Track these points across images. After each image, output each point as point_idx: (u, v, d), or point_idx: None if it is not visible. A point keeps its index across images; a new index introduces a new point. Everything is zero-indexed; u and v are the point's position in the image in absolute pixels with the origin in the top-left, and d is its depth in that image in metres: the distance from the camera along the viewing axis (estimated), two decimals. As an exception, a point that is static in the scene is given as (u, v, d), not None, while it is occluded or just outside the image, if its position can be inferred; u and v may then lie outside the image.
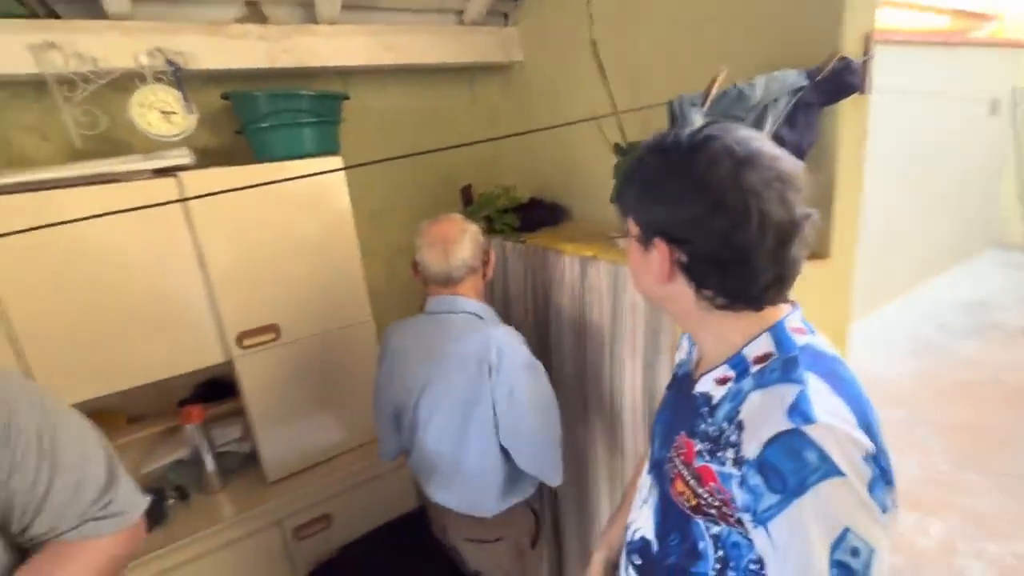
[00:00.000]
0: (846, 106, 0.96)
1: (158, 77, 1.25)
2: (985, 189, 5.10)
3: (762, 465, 0.49)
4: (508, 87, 1.91)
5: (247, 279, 1.35)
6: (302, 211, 1.40)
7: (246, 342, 1.36)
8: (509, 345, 1.08)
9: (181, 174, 1.23)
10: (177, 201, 1.16)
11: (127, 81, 1.25)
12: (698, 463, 0.59)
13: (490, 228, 1.64)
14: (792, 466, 0.47)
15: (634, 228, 0.61)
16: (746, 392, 0.56)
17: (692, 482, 0.60)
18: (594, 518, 1.42)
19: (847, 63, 0.89)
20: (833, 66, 0.89)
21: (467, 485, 1.16)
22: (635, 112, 1.15)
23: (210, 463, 1.45)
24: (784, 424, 0.49)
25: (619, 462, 1.29)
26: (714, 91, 0.86)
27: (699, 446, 0.60)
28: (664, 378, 1.09)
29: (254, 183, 1.02)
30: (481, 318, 1.15)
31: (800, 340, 0.57)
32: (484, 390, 1.07)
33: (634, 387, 1.19)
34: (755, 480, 0.50)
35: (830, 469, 0.46)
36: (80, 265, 1.17)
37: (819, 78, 0.89)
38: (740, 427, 0.54)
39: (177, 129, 1.27)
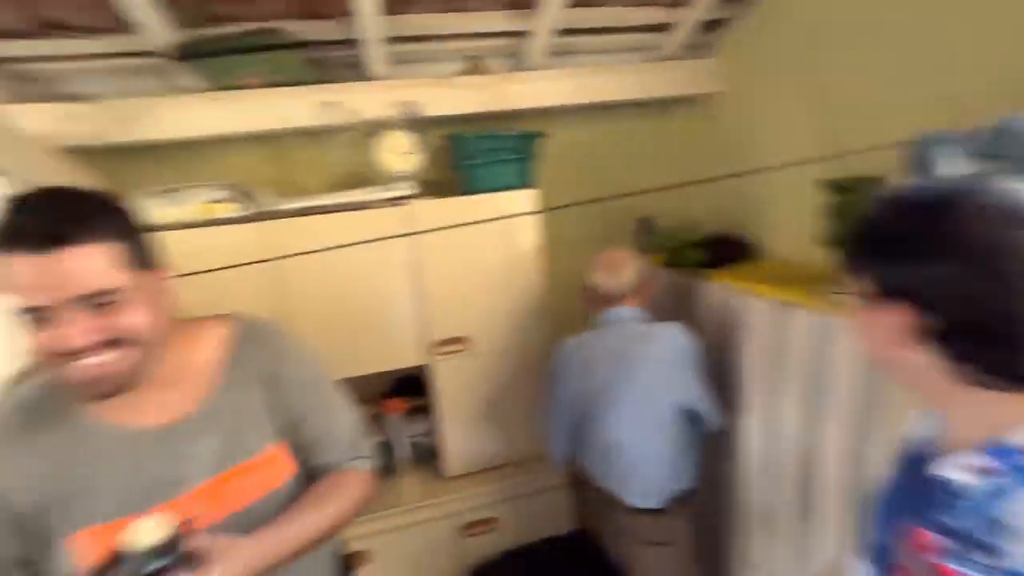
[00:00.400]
0: None
1: (398, 124, 1.53)
2: None
3: None
4: (701, 119, 1.87)
5: (448, 294, 1.55)
6: (499, 238, 1.56)
7: (441, 349, 1.56)
8: (681, 334, 1.29)
9: (412, 202, 1.48)
10: (417, 233, 1.36)
11: (374, 127, 1.55)
12: (937, 560, 0.51)
13: (672, 261, 1.62)
14: None
15: (867, 287, 0.57)
16: (1011, 490, 0.48)
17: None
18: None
19: None
20: None
21: (644, 472, 1.29)
22: (852, 148, 1.04)
23: (401, 451, 1.68)
24: None
25: (806, 527, 1.15)
26: (973, 127, 0.74)
27: (939, 540, 0.52)
28: (878, 449, 0.96)
29: (466, 215, 1.26)
30: (648, 319, 1.36)
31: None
32: (666, 376, 1.26)
33: (837, 453, 1.05)
34: None
35: None
36: (328, 276, 1.46)
37: None
38: (1002, 531, 0.46)
39: (410, 167, 1.53)
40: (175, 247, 1.02)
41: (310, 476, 0.82)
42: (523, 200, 1.55)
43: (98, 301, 0.61)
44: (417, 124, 1.53)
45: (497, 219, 1.38)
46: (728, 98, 1.75)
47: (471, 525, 1.60)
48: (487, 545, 1.62)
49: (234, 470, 0.73)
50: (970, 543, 0.49)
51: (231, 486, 0.72)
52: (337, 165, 1.68)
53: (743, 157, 1.68)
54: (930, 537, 0.53)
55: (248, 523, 0.70)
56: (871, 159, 0.99)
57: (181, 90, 1.47)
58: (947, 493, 0.54)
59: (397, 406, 1.66)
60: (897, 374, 0.59)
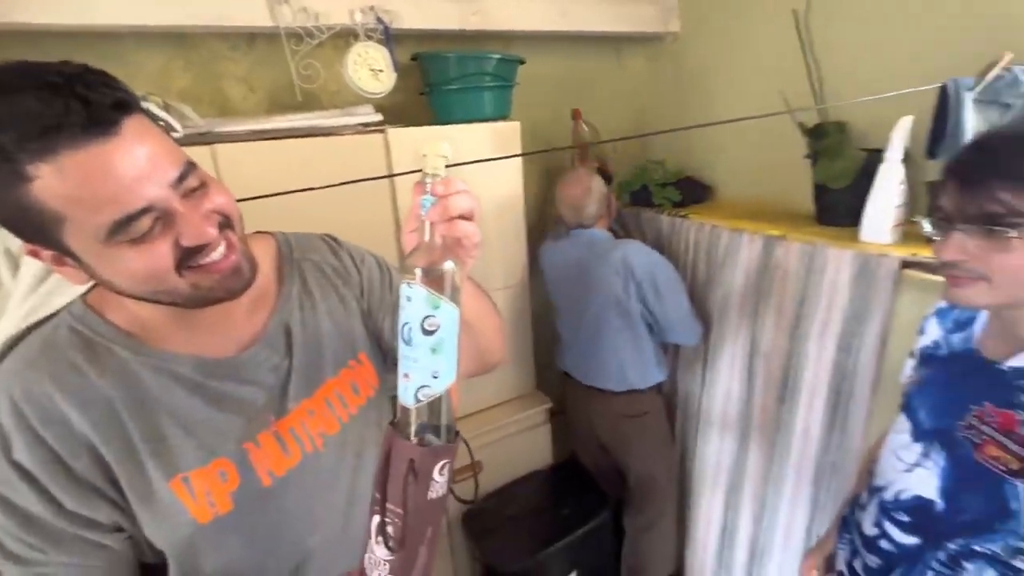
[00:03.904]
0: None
1: (368, 35, 1.30)
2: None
3: None
4: (656, 59, 1.90)
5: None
6: (479, 174, 1.45)
7: (422, 295, 1.44)
8: (640, 250, 1.43)
9: (388, 130, 1.29)
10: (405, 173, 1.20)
11: (337, 39, 1.31)
12: (1025, 431, 0.63)
13: (640, 200, 1.67)
14: None
15: None
16: None
17: (1015, 448, 0.64)
18: (742, 484, 1.49)
19: (1124, 53, 0.88)
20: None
21: (613, 365, 1.50)
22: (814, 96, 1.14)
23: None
24: None
25: (785, 438, 1.34)
26: (991, 75, 0.86)
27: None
28: (864, 362, 1.13)
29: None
30: (610, 240, 1.51)
31: None
32: (628, 287, 1.41)
33: (818, 368, 1.22)
34: None
35: None
36: (288, 211, 1.24)
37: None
38: None
39: (382, 87, 1.32)
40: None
41: None
42: (507, 133, 1.45)
43: (187, 181, 0.50)
44: (385, 38, 1.32)
45: (511, 156, 1.27)
46: (681, 39, 1.80)
47: (456, 472, 1.57)
48: (471, 490, 1.60)
49: (325, 387, 0.66)
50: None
51: (325, 405, 0.66)
52: (278, 80, 1.39)
53: (702, 100, 1.76)
54: (1015, 415, 0.65)
55: (348, 442, 0.67)
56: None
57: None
58: (1022, 379, 0.65)
59: (368, 359, 1.52)
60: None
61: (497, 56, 1.40)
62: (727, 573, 1.60)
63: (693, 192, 1.67)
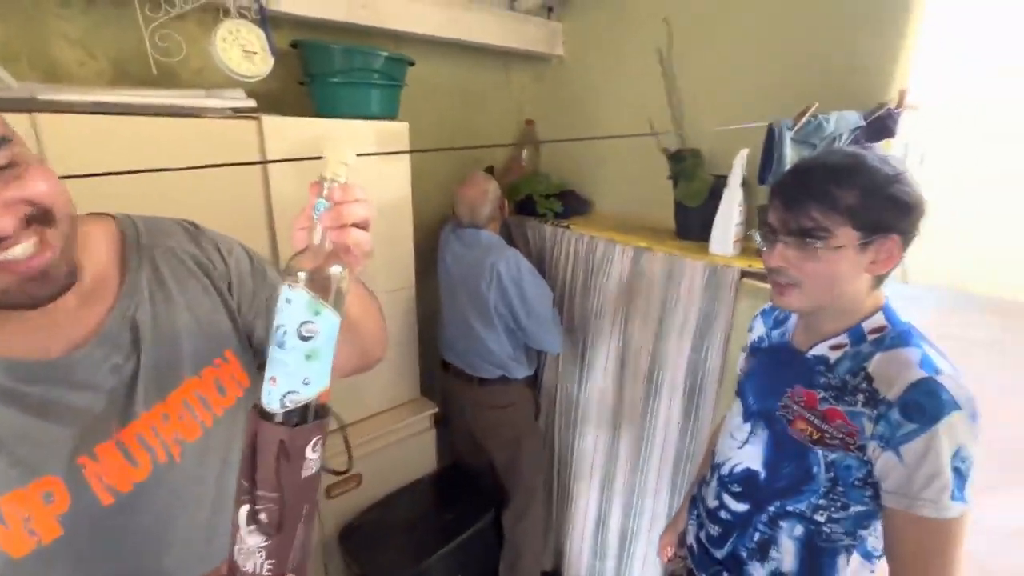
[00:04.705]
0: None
1: (241, 13, 1.20)
2: None
3: (905, 404, 0.67)
4: (541, 79, 2.00)
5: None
6: (365, 174, 1.41)
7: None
8: (511, 260, 1.51)
9: (263, 118, 1.20)
10: (294, 160, 1.12)
11: (204, 14, 1.19)
12: (823, 406, 0.77)
13: (525, 209, 1.75)
14: (930, 403, 0.66)
15: (848, 232, 0.71)
16: (867, 354, 0.75)
17: (816, 421, 0.77)
18: (614, 475, 1.60)
19: (890, 112, 1.12)
20: (883, 112, 1.11)
21: (483, 356, 1.60)
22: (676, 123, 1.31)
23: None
24: (920, 374, 0.67)
25: (650, 430, 1.47)
26: (804, 120, 1.04)
27: (822, 394, 0.78)
28: (713, 358, 1.29)
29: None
30: (497, 244, 1.57)
31: (904, 318, 0.77)
32: (494, 290, 1.50)
33: (677, 364, 1.37)
34: (896, 416, 0.68)
35: (955, 405, 0.65)
36: (141, 200, 1.10)
37: (869, 120, 1.12)
38: (868, 379, 0.73)
39: (256, 70, 1.22)
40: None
41: None
42: (395, 133, 1.43)
43: None
44: (260, 18, 1.23)
45: (400, 151, 1.25)
46: (566, 63, 1.92)
47: (334, 486, 1.49)
48: (351, 503, 1.53)
49: (183, 388, 0.60)
50: (845, 391, 0.75)
51: (183, 408, 0.59)
52: (127, 49, 1.22)
53: (584, 122, 1.89)
54: (816, 393, 0.78)
55: (211, 448, 0.61)
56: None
57: None
58: (821, 364, 0.80)
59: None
60: (839, 299, 0.76)
61: (386, 54, 1.38)
62: (601, 561, 1.71)
63: (574, 205, 1.78)
